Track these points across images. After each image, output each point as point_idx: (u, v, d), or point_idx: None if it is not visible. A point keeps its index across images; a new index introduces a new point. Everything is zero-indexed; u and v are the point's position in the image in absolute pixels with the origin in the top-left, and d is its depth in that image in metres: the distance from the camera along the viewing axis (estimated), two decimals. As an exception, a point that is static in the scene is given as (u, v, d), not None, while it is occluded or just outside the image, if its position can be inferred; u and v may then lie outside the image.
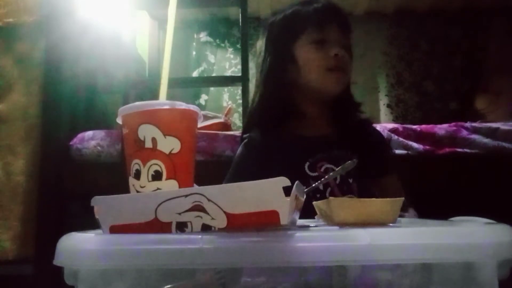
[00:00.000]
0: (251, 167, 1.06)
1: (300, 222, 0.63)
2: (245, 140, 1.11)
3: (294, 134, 1.08)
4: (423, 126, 1.50)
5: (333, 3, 1.10)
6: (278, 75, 1.08)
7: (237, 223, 0.46)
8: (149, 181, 0.55)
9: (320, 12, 1.06)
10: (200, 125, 0.61)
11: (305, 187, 0.81)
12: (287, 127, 1.10)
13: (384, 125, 1.51)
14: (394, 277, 0.48)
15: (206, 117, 1.67)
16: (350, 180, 1.00)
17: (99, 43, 1.61)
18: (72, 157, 1.39)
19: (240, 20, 1.67)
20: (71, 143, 1.40)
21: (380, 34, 2.59)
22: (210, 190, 0.46)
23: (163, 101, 0.58)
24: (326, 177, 0.79)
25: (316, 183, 0.80)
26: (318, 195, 0.96)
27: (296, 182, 0.48)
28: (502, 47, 2.43)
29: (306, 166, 1.01)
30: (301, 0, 1.11)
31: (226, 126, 1.73)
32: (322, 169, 1.01)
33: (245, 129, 1.16)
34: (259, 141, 1.09)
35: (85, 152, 1.38)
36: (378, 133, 1.17)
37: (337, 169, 0.78)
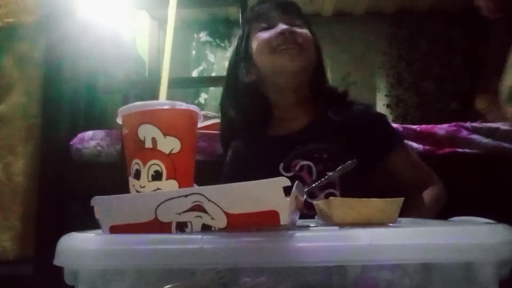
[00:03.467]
0: (236, 170, 1.04)
1: (300, 222, 0.63)
2: (224, 145, 1.12)
3: (267, 135, 1.05)
4: (423, 126, 1.50)
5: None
6: (240, 75, 1.07)
7: (237, 223, 0.46)
8: (149, 181, 0.55)
9: (262, 5, 1.08)
10: (200, 125, 0.61)
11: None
12: (260, 127, 1.07)
13: (384, 125, 1.51)
14: (394, 277, 0.48)
15: (206, 117, 1.67)
16: (329, 173, 0.92)
17: (99, 43, 1.61)
18: (72, 157, 1.39)
19: (240, 20, 1.67)
20: (71, 143, 1.39)
21: (380, 34, 2.59)
22: (210, 190, 0.46)
23: (163, 101, 0.58)
24: (326, 177, 0.79)
25: (316, 183, 0.80)
26: (310, 191, 0.90)
27: (296, 182, 0.48)
28: (502, 47, 2.43)
29: (280, 167, 0.96)
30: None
31: (226, 126, 1.72)
32: (297, 168, 0.95)
33: (222, 133, 1.16)
34: (238, 143, 1.08)
35: (85, 152, 1.38)
36: (366, 110, 1.07)
37: (337, 170, 0.77)
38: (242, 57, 1.08)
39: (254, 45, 1.04)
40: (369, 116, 1.04)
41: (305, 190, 0.60)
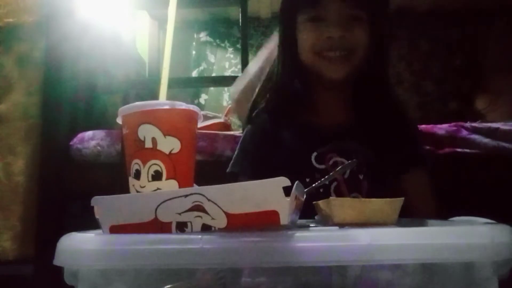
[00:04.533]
0: (258, 152, 0.97)
1: (300, 222, 0.63)
2: (254, 121, 1.01)
3: (305, 120, 0.98)
4: (423, 126, 1.50)
5: None
6: (287, 53, 0.98)
7: (237, 223, 0.46)
8: (149, 181, 0.55)
9: None
10: (200, 125, 0.61)
11: (309, 183, 0.80)
12: (299, 111, 0.99)
13: (384, 125, 1.51)
14: (394, 277, 0.48)
15: (206, 117, 1.67)
16: (361, 177, 0.89)
17: (99, 43, 1.61)
18: (72, 157, 1.39)
19: (240, 20, 1.67)
20: (71, 143, 1.39)
21: (380, 34, 2.59)
22: (210, 190, 0.46)
23: (163, 101, 0.58)
24: (326, 177, 0.77)
25: (315, 184, 0.79)
26: (321, 190, 0.88)
27: (296, 182, 0.48)
28: (502, 47, 2.43)
29: (313, 157, 0.91)
30: None
31: (226, 126, 1.73)
32: (331, 162, 0.90)
33: (253, 107, 1.04)
34: (267, 123, 0.99)
35: (85, 152, 1.38)
36: (408, 123, 1.01)
37: (337, 169, 0.76)
38: (287, 43, 0.98)
39: (300, 36, 0.94)
40: (405, 129, 0.99)
41: (305, 190, 0.60)
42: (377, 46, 0.94)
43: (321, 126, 0.96)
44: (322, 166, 0.90)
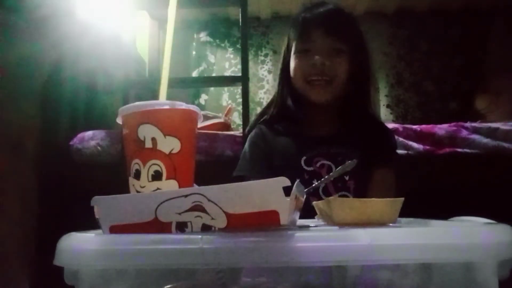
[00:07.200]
0: (259, 155, 1.10)
1: (300, 222, 0.63)
2: (254, 131, 1.16)
3: (296, 131, 1.11)
4: (423, 126, 1.50)
5: (326, 9, 1.10)
6: (284, 80, 1.14)
7: (237, 223, 0.46)
8: (149, 181, 0.55)
9: (306, 22, 1.09)
10: (200, 125, 0.61)
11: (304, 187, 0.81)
12: (292, 124, 1.12)
13: (384, 125, 1.51)
14: (394, 277, 0.48)
15: (206, 117, 1.67)
16: (346, 177, 1.00)
17: (99, 43, 1.61)
18: (72, 157, 1.39)
19: (240, 20, 1.67)
20: (71, 143, 1.40)
21: (380, 34, 2.59)
22: (210, 190, 0.46)
23: (163, 101, 0.58)
24: (326, 177, 0.79)
25: (317, 183, 0.80)
26: (311, 190, 0.95)
27: (296, 182, 0.48)
28: (502, 47, 2.43)
29: (302, 161, 1.03)
30: (304, 3, 1.15)
31: (226, 126, 1.73)
32: (318, 165, 1.03)
33: (255, 122, 1.20)
34: (267, 131, 1.13)
35: (85, 152, 1.38)
36: (382, 127, 1.16)
37: (337, 169, 0.77)
38: (283, 67, 1.15)
39: (291, 65, 1.10)
40: (381, 132, 1.14)
41: (305, 190, 0.60)
42: (357, 73, 1.10)
43: (309, 136, 1.09)
44: (311, 168, 1.03)
